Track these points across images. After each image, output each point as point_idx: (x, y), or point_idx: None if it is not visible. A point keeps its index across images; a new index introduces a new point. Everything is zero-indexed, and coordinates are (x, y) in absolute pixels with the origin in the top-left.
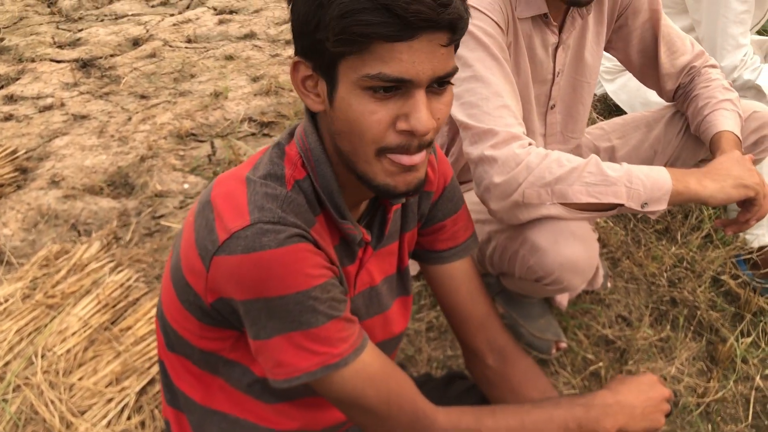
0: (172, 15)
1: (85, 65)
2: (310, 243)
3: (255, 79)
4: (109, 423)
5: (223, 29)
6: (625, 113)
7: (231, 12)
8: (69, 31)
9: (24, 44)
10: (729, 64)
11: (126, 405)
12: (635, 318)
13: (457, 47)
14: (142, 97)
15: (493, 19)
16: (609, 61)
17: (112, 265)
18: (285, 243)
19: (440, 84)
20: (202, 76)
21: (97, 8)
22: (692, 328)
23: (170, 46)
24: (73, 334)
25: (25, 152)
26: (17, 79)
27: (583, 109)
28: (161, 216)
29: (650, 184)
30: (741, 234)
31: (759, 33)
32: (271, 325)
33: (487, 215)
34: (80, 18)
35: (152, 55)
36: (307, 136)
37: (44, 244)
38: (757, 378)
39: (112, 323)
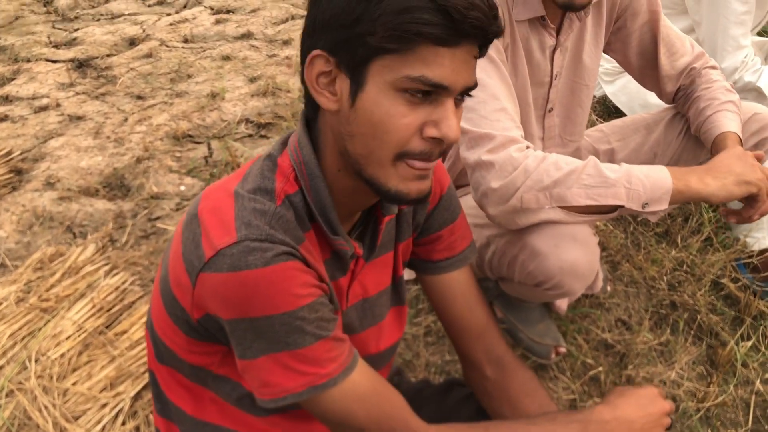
0: (168, 14)
1: (81, 65)
2: (298, 261)
3: (252, 80)
4: (103, 428)
5: (220, 29)
6: (625, 115)
7: (228, 12)
8: (65, 30)
9: (19, 44)
10: (729, 65)
11: (120, 410)
12: (635, 322)
13: None
14: (139, 97)
15: None
16: (608, 63)
17: (107, 268)
18: (272, 261)
19: (462, 95)
20: (198, 77)
21: (93, 7)
22: (692, 332)
23: (167, 46)
24: (68, 338)
25: (20, 153)
26: (12, 79)
27: (582, 111)
28: (157, 218)
29: (650, 184)
30: (741, 237)
31: (759, 34)
32: (257, 345)
33: (485, 219)
34: (76, 17)
35: (149, 55)
36: (301, 147)
37: (39, 246)
38: (758, 382)
39: (107, 327)
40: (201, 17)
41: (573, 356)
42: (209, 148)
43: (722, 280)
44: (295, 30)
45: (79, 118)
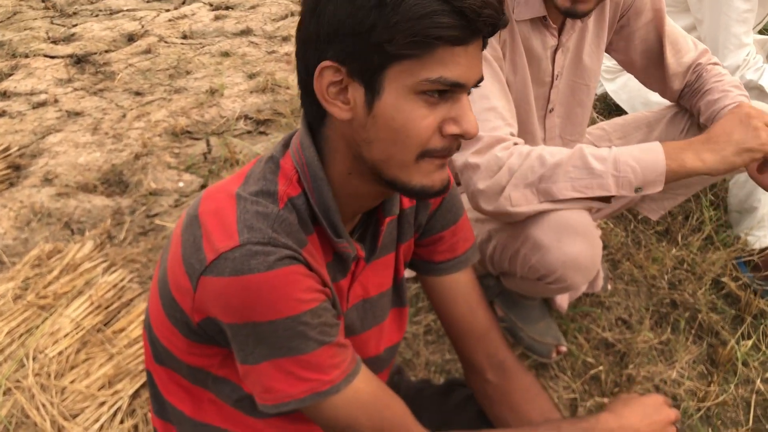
0: (167, 10)
1: (79, 61)
2: (301, 265)
3: (251, 76)
4: (101, 427)
5: (219, 25)
6: (626, 113)
7: (227, 8)
8: (63, 26)
9: (17, 39)
10: (731, 63)
11: (119, 408)
12: (635, 321)
13: None
14: (137, 93)
15: None
16: (609, 61)
17: (105, 265)
18: (275, 266)
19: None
20: (197, 73)
21: (92, 3)
22: (693, 330)
23: (165, 42)
24: (66, 335)
25: (18, 149)
26: (10, 74)
27: (582, 111)
28: (156, 215)
29: (641, 168)
30: (742, 235)
31: (761, 32)
32: (259, 350)
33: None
34: (75, 13)
35: (147, 51)
36: (304, 149)
37: (37, 242)
38: (758, 381)
39: (105, 325)
40: (200, 13)
41: (573, 355)
42: (208, 144)
43: (723, 279)
44: (295, 27)
45: (78, 114)
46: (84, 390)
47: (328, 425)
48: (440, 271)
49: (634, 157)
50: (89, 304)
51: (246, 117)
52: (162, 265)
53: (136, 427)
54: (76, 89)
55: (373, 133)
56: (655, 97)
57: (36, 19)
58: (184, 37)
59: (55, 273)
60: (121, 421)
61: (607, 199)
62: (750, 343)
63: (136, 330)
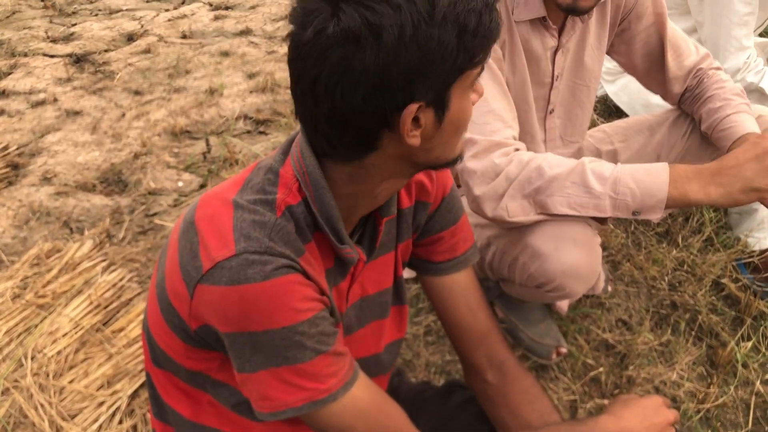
0: (167, 10)
1: (78, 60)
2: (298, 274)
3: (251, 76)
4: (100, 427)
5: (218, 25)
6: (626, 115)
7: (227, 8)
8: (62, 25)
9: (17, 38)
10: (732, 66)
11: (118, 409)
12: (635, 322)
13: None
14: (136, 93)
15: None
16: (610, 62)
17: (104, 264)
18: (272, 275)
19: None
20: (197, 73)
21: (92, 2)
22: (693, 332)
23: (165, 42)
24: (64, 335)
25: (17, 148)
26: (9, 73)
27: (582, 113)
28: (155, 214)
29: (641, 192)
30: (742, 237)
31: (761, 35)
32: (256, 358)
33: (485, 220)
34: (74, 12)
35: (147, 51)
36: (304, 158)
37: (35, 241)
38: (758, 383)
39: (104, 324)
40: (200, 13)
41: (574, 356)
42: (207, 144)
43: (723, 281)
44: None
45: (77, 113)
46: (83, 390)
47: None
48: (440, 272)
49: (636, 180)
50: (88, 303)
51: (245, 117)
52: (160, 269)
53: (135, 427)
54: (75, 88)
55: (438, 141)
56: (656, 99)
57: (35, 18)
58: (184, 36)
59: (54, 272)
60: (120, 422)
61: (602, 219)
62: (750, 344)
63: (136, 330)
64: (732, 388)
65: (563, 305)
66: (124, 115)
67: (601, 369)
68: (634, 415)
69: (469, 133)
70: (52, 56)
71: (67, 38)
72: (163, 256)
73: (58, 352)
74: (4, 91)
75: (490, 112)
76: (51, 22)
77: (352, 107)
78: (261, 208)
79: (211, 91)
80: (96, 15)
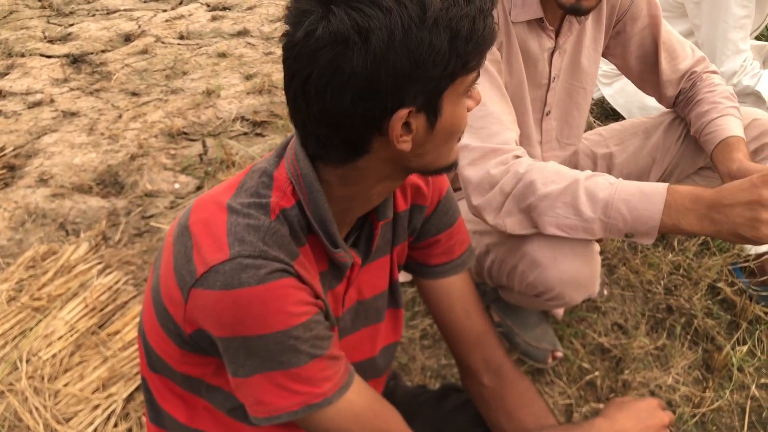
0: (164, 11)
1: (75, 61)
2: (293, 278)
3: (248, 77)
4: (95, 430)
5: (216, 26)
6: (622, 117)
7: (224, 8)
8: (60, 25)
9: (14, 38)
10: (728, 69)
11: (113, 412)
12: (631, 326)
13: None
14: (133, 94)
15: None
16: (606, 65)
17: (100, 266)
18: (265, 279)
19: None
20: (194, 74)
21: (89, 3)
22: (688, 336)
23: (162, 43)
24: (60, 338)
25: (13, 149)
26: (6, 74)
27: (579, 115)
28: (151, 216)
29: (632, 218)
30: None
31: (758, 38)
32: (250, 363)
33: (484, 226)
34: (71, 12)
35: (144, 52)
36: (298, 161)
37: (31, 243)
38: (753, 387)
39: (100, 327)
40: (197, 14)
41: (569, 361)
42: (204, 145)
43: (719, 285)
44: None
45: (73, 114)
46: (78, 393)
47: None
48: (436, 274)
49: (630, 206)
50: (84, 306)
51: (242, 118)
52: (155, 273)
53: (130, 430)
54: (72, 89)
55: (430, 146)
56: (652, 102)
57: (32, 18)
58: (181, 37)
59: (50, 275)
60: (115, 425)
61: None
62: (745, 348)
63: (131, 333)
64: (727, 392)
65: (559, 310)
66: (120, 116)
67: (596, 373)
68: (629, 418)
69: (467, 139)
70: (49, 57)
71: (64, 38)
72: (158, 260)
73: (53, 355)
74: (0, 92)
75: (488, 116)
76: (48, 22)
77: (342, 110)
78: (255, 211)
79: (208, 93)
80: (93, 15)
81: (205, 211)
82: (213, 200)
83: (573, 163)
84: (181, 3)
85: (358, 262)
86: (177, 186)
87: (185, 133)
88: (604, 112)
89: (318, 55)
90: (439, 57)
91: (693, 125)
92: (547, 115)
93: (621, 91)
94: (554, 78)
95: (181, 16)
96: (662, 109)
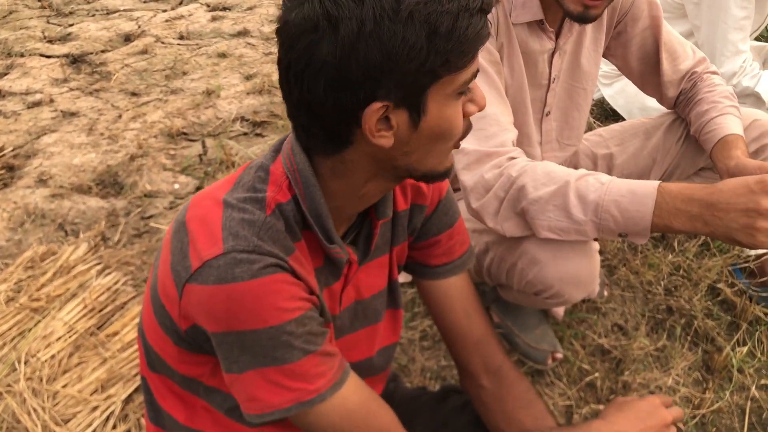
0: (164, 11)
1: (75, 61)
2: (287, 273)
3: (248, 78)
4: None
5: (216, 26)
6: (623, 118)
7: (224, 8)
8: (59, 25)
9: (13, 38)
10: (728, 70)
11: (111, 413)
12: (631, 327)
13: None
14: (133, 94)
15: None
16: (606, 65)
17: (99, 267)
18: (259, 274)
19: None
20: (194, 74)
21: (89, 3)
22: (689, 337)
23: (162, 43)
24: (58, 339)
25: (12, 149)
26: (5, 74)
27: (579, 116)
28: (150, 217)
29: (624, 220)
30: None
31: (757, 39)
32: (243, 359)
33: (483, 225)
34: (71, 12)
35: (144, 52)
36: (294, 155)
37: (30, 244)
38: (753, 388)
39: (99, 328)
40: (197, 14)
41: (569, 362)
42: (204, 146)
43: (719, 285)
44: None
45: (73, 114)
46: (76, 394)
47: None
48: (436, 275)
49: (620, 207)
50: (83, 307)
51: (242, 119)
52: (154, 271)
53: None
54: (71, 89)
55: (415, 145)
56: (652, 103)
57: (32, 18)
58: (181, 37)
59: (49, 275)
60: (114, 426)
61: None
62: (745, 349)
63: (130, 334)
64: (727, 393)
65: (559, 310)
66: (120, 116)
67: (596, 374)
68: (628, 419)
69: (463, 142)
70: (48, 57)
71: (64, 38)
72: (157, 259)
73: (52, 356)
74: (0, 92)
75: (484, 117)
76: (48, 22)
77: (316, 98)
78: (250, 206)
79: (208, 93)
80: (93, 15)
81: (201, 206)
82: (210, 196)
83: (573, 163)
84: (181, 3)
85: (354, 259)
86: (176, 186)
87: (185, 134)
88: (605, 113)
89: (294, 42)
90: (414, 52)
91: (693, 124)
92: (547, 115)
93: (621, 92)
94: (554, 79)
95: (181, 17)
96: (662, 109)
